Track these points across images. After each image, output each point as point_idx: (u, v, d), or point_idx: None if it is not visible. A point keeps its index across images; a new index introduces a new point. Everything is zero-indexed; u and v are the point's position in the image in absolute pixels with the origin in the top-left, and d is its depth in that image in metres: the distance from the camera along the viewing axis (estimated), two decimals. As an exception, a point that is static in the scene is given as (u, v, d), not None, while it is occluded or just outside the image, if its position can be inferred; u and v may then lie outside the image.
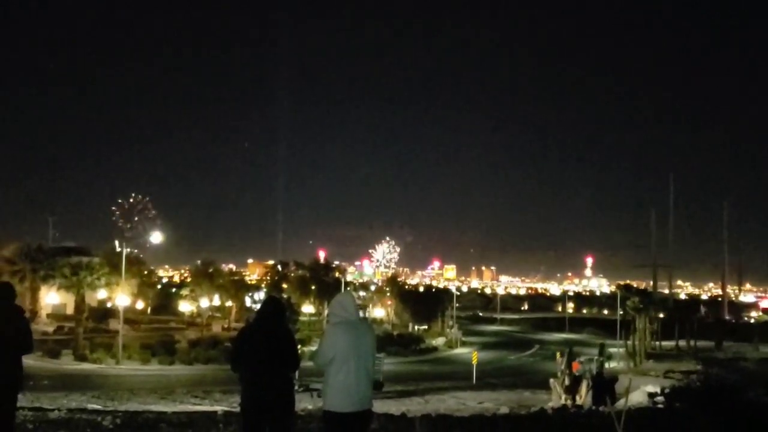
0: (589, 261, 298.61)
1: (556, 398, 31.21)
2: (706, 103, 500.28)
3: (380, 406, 28.57)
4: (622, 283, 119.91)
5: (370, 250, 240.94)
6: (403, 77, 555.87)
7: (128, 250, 65.19)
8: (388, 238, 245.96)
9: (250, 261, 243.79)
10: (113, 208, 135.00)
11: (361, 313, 7.32)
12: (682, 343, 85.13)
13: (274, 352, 7.29)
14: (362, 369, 6.82)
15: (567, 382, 31.46)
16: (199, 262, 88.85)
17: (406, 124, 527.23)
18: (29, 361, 43.14)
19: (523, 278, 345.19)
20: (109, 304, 70.27)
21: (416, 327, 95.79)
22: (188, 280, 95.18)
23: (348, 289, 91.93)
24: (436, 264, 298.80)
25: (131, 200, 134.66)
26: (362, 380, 6.82)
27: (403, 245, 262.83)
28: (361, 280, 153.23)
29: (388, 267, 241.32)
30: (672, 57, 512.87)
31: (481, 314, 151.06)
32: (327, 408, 6.87)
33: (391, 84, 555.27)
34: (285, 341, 7.46)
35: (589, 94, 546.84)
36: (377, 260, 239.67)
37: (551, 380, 33.29)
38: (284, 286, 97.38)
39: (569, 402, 29.44)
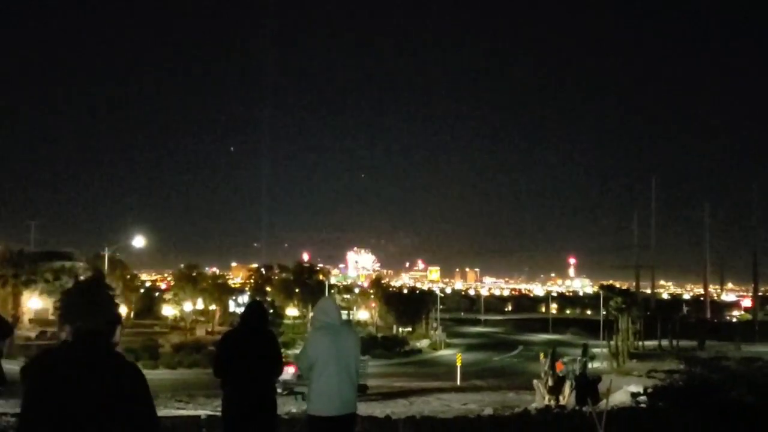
0: (572, 262, 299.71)
1: (540, 399, 31.27)
2: (689, 105, 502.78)
3: (364, 409, 28.58)
4: (605, 283, 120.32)
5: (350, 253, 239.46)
6: (387, 80, 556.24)
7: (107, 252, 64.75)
8: (363, 250, 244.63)
9: (233, 264, 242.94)
10: None
11: (344, 317, 7.35)
12: (664, 342, 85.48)
13: (257, 356, 7.30)
14: (344, 373, 6.84)
15: (551, 382, 31.52)
16: (182, 265, 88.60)
17: (389, 127, 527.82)
18: (12, 366, 43.08)
19: (506, 279, 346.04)
20: (92, 309, 69.85)
21: (400, 329, 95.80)
22: (172, 283, 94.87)
23: (331, 292, 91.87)
24: (420, 265, 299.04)
25: None
26: (344, 384, 6.84)
27: (398, 246, 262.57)
28: (345, 283, 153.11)
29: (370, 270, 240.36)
30: (655, 61, 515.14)
31: (464, 316, 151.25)
32: (310, 412, 6.90)
33: (375, 88, 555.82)
34: (269, 346, 7.48)
35: (574, 96, 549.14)
36: (358, 264, 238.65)
37: (535, 381, 33.34)
38: (268, 289, 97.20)
39: (553, 402, 29.52)
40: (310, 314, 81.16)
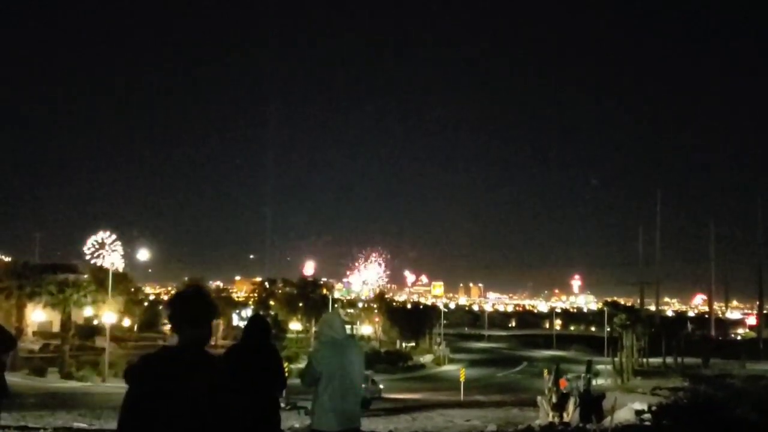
0: (577, 278, 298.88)
1: (544, 416, 31.14)
2: (694, 121, 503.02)
3: (368, 425, 28.48)
4: (609, 299, 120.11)
5: (355, 266, 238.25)
6: (391, 93, 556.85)
7: (115, 266, 64.91)
8: (374, 257, 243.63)
9: (237, 278, 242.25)
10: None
11: (348, 332, 7.34)
12: (669, 360, 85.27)
13: (260, 371, 7.28)
14: (349, 388, 6.83)
15: (554, 399, 31.42)
16: (186, 279, 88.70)
17: (393, 140, 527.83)
18: (15, 378, 42.99)
19: (510, 295, 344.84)
20: (95, 322, 69.85)
21: (404, 344, 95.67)
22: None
23: (335, 306, 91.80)
24: (424, 279, 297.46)
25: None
26: (349, 399, 6.83)
27: (402, 261, 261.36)
28: (348, 297, 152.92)
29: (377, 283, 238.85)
30: (659, 74, 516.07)
31: (468, 331, 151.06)
32: (314, 427, 6.87)
33: (378, 102, 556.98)
34: (271, 360, 7.45)
35: (578, 111, 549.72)
36: (365, 280, 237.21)
37: (539, 397, 33.23)
38: (272, 303, 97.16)
39: (556, 419, 29.42)
40: (314, 329, 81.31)
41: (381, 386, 49.23)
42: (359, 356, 7.19)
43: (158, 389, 3.71)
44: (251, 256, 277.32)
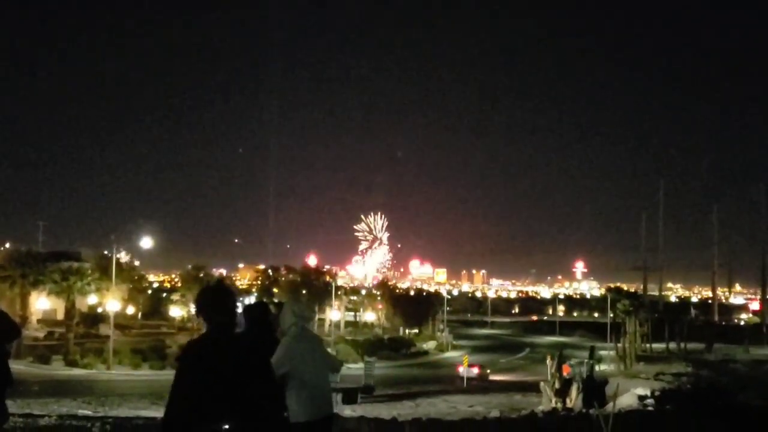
0: (580, 264, 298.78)
1: (547, 401, 31.25)
2: (696, 105, 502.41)
3: (371, 410, 28.58)
4: (612, 285, 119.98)
5: (360, 252, 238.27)
6: (392, 79, 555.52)
7: (120, 255, 64.92)
8: (380, 241, 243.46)
9: (241, 265, 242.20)
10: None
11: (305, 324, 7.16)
12: (672, 345, 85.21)
13: (257, 361, 7.23)
14: (320, 376, 6.69)
15: (557, 385, 31.51)
16: (189, 266, 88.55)
17: (395, 126, 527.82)
18: (19, 366, 43.09)
19: (513, 281, 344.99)
20: (99, 310, 69.92)
21: (407, 331, 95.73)
22: (179, 284, 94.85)
23: (338, 294, 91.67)
24: (428, 266, 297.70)
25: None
26: (320, 387, 6.67)
27: (405, 248, 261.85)
28: (352, 284, 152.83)
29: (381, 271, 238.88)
30: (662, 60, 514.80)
31: (471, 318, 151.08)
32: (291, 419, 6.71)
33: (381, 86, 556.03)
34: (274, 348, 7.42)
35: (580, 96, 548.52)
36: (368, 267, 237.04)
37: (542, 383, 33.33)
38: (275, 290, 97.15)
39: (560, 405, 29.52)
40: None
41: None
42: (322, 346, 7.12)
43: (203, 368, 4.52)
44: (236, 240, 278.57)
